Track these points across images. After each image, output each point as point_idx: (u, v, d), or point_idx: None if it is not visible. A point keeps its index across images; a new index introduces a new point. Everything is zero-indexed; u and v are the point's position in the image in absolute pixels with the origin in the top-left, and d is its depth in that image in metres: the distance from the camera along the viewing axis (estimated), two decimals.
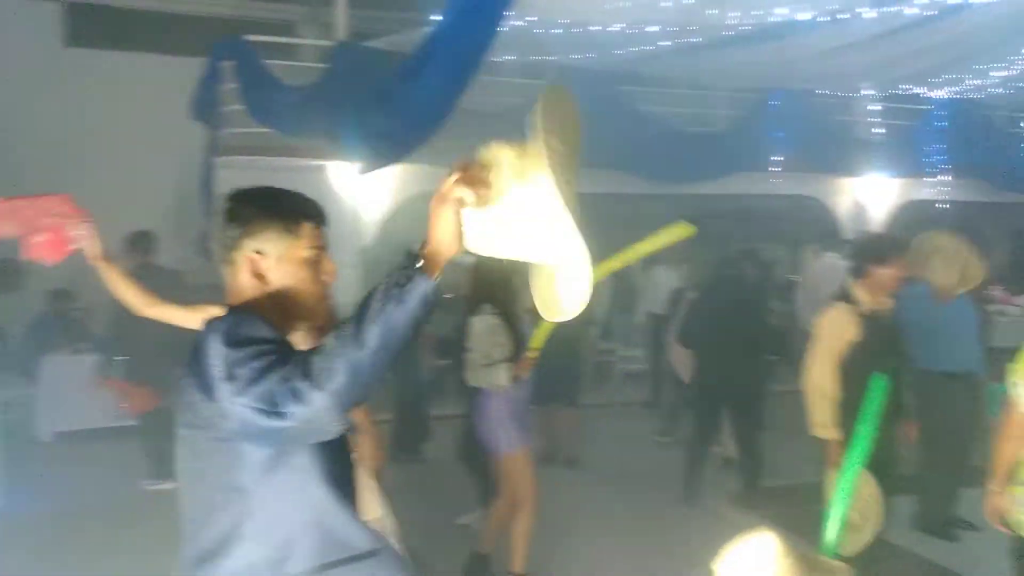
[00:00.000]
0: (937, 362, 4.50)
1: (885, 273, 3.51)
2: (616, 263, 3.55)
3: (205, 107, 8.31)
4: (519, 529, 4.11)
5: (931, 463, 4.64)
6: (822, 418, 3.51)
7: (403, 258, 1.40)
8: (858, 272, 3.59)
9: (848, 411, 3.17)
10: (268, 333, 1.47)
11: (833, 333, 3.52)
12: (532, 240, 1.44)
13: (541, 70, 9.64)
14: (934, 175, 10.72)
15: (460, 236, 1.40)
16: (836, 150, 10.32)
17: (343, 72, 7.68)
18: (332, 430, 1.36)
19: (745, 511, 5.06)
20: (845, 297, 3.61)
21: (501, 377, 3.92)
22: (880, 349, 3.46)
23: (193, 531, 1.53)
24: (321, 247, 1.61)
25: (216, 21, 10.60)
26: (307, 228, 1.59)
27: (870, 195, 10.88)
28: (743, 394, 5.47)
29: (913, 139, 10.65)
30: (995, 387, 3.60)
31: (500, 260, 1.52)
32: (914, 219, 11.66)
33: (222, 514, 1.48)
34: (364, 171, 7.86)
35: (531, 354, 3.93)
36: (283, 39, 9.28)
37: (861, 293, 3.57)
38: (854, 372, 3.34)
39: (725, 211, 12.65)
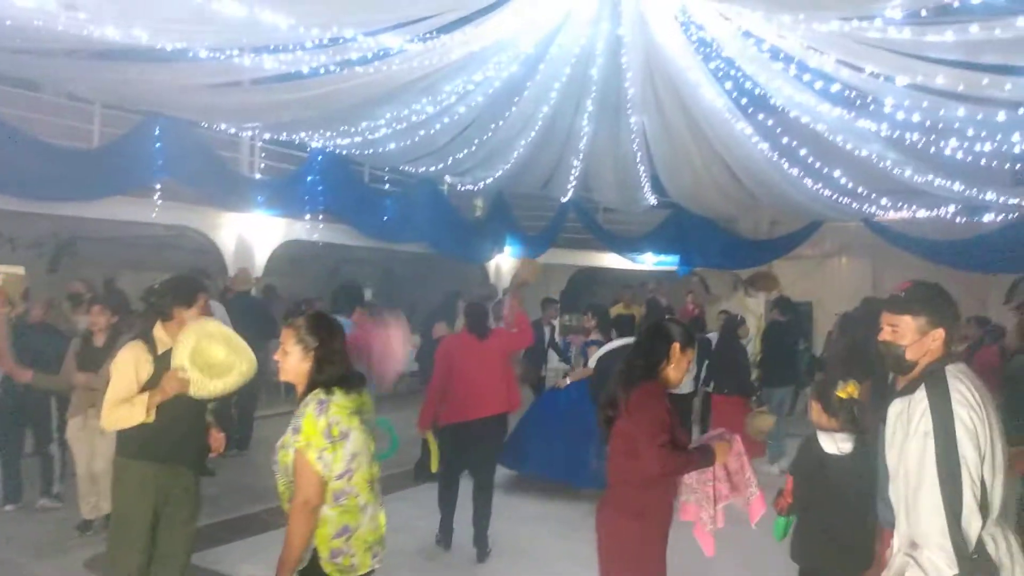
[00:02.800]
0: None
1: (190, 315, 3.59)
2: None
3: None
4: None
5: None
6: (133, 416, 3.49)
7: None
8: (164, 314, 3.61)
9: (157, 433, 3.47)
10: None
11: (126, 370, 3.49)
12: None
13: None
14: (311, 217, 11.71)
15: None
16: (221, 185, 10.47)
17: None
18: None
19: None
20: (145, 337, 3.61)
21: None
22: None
23: None
24: None
25: None
26: None
27: (254, 232, 11.33)
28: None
29: (293, 183, 11.45)
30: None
31: None
32: (294, 255, 12.61)
33: None
34: None
35: None
36: None
37: (161, 334, 3.60)
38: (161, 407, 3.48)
39: (103, 236, 11.77)
